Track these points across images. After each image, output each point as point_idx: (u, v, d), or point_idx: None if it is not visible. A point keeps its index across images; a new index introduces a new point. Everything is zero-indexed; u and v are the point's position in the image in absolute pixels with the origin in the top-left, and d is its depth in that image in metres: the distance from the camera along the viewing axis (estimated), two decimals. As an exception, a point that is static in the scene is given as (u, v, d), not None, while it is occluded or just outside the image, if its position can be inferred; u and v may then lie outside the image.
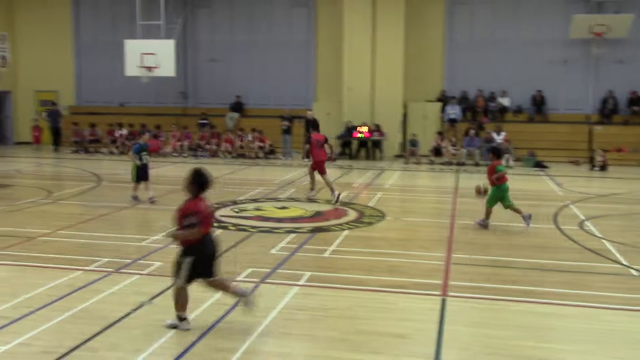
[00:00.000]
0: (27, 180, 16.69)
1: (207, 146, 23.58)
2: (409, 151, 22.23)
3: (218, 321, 6.49)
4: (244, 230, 10.88)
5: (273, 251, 9.45)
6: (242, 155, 23.18)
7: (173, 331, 6.21)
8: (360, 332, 6.33)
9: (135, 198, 13.50)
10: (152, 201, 13.34)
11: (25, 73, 27.56)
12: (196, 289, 7.54)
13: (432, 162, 21.75)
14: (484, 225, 11.22)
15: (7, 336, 6.05)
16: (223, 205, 13.22)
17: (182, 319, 6.31)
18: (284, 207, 13.16)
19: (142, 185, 13.57)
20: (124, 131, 24.35)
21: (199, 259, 6.26)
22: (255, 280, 7.93)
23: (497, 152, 11.71)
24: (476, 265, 8.81)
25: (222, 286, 6.49)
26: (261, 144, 23.29)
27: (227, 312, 6.74)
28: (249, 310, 6.44)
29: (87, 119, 25.65)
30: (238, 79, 25.95)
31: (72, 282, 7.77)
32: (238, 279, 7.96)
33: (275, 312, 6.79)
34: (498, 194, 11.21)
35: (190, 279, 6.27)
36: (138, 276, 8.10)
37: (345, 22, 23.13)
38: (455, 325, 6.56)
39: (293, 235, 10.55)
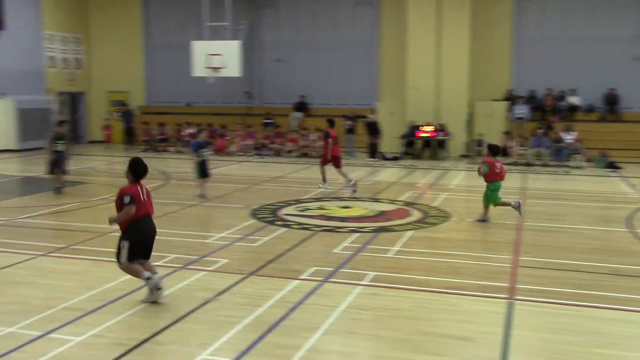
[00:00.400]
0: (100, 178, 17.31)
1: (272, 145, 23.86)
2: (474, 151, 21.87)
3: (282, 319, 6.57)
4: (308, 229, 10.96)
5: (336, 250, 9.49)
6: (306, 155, 23.34)
7: (238, 327, 6.32)
8: (424, 333, 6.29)
9: (202, 196, 13.83)
10: (203, 197, 13.72)
11: (98, 75, 28.60)
12: (260, 287, 7.66)
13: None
14: (483, 219, 11.56)
15: (81, 327, 6.30)
16: (287, 204, 13.35)
17: (148, 278, 6.98)
18: (347, 207, 13.18)
19: (205, 180, 13.97)
20: (191, 130, 24.90)
21: (135, 243, 7.03)
22: (318, 279, 7.99)
23: (492, 149, 11.86)
24: (545, 269, 8.58)
25: (136, 272, 7.06)
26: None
27: (291, 310, 6.82)
28: (156, 295, 6.98)
29: (156, 119, 26.39)
30: (302, 79, 26.15)
31: (142, 277, 8.01)
32: (302, 277, 8.04)
33: (338, 311, 6.82)
34: (489, 191, 11.44)
35: (130, 259, 7.03)
36: (204, 272, 8.29)
37: (409, 21, 22.96)
38: (521, 329, 6.42)
39: (356, 234, 10.56)
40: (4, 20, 23.61)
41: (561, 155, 21.04)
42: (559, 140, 21.10)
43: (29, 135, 24.48)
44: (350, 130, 22.96)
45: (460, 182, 17.31)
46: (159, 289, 7.02)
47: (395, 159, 22.21)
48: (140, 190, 7.18)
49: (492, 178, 11.36)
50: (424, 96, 22.98)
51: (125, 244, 7.02)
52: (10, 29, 23.88)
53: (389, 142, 22.96)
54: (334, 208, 12.99)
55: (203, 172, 13.89)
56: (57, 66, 26.80)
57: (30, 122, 24.55)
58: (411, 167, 20.51)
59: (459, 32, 22.51)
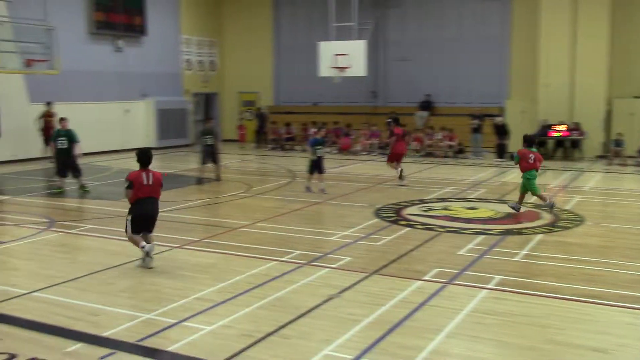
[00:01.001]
0: (231, 175, 18.06)
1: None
2: (612, 152, 20.57)
3: (404, 319, 6.54)
4: (431, 229, 10.82)
5: (461, 252, 9.29)
6: (431, 154, 23.04)
7: (360, 325, 6.37)
8: (552, 342, 6.01)
9: (308, 189, 14.49)
10: (323, 192, 14.31)
11: (230, 76, 29.85)
12: (383, 287, 7.66)
13: (639, 164, 19.91)
14: (516, 208, 11.98)
15: (212, 317, 6.62)
16: (410, 203, 13.26)
17: (143, 247, 8.35)
18: (473, 208, 12.87)
19: (315, 176, 14.55)
20: (323, 129, 25.31)
21: (135, 218, 8.43)
22: (442, 280, 7.87)
23: (526, 140, 12.26)
24: (690, 280, 7.92)
25: (135, 241, 8.45)
26: (450, 143, 22.96)
27: (414, 311, 6.77)
28: (147, 262, 8.38)
29: (283, 118, 27.14)
30: (427, 77, 25.81)
31: (268, 272, 8.29)
32: (425, 278, 7.96)
33: (462, 315, 6.68)
34: (525, 180, 11.93)
35: (133, 231, 8.45)
36: (328, 269, 8.41)
37: (542, 15, 21.97)
38: (663, 343, 5.97)
39: (482, 236, 10.28)
40: (146, 26, 25.26)
41: None
42: None
43: (166, 134, 26.07)
44: (477, 130, 22.37)
45: (595, 185, 16.35)
46: (148, 255, 8.38)
47: (524, 159, 21.37)
48: (144, 176, 8.45)
49: (526, 168, 11.86)
50: (557, 94, 21.91)
51: (128, 218, 8.50)
52: (151, 34, 25.53)
53: (519, 141, 22.04)
54: (459, 209, 12.72)
55: (317, 168, 14.47)
56: (192, 68, 28.29)
57: (167, 121, 26.15)
58: (542, 168, 19.61)
59: (597, 26, 21.23)
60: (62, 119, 15.26)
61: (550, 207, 11.90)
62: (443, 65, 25.48)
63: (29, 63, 16.64)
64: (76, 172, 14.68)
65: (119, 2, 24.03)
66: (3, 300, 7.21)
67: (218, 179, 16.40)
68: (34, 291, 7.55)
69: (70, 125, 14.85)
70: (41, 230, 10.97)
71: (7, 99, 20.63)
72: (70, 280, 8.03)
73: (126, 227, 8.53)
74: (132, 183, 8.38)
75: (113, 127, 24.15)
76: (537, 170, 12.07)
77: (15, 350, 5.76)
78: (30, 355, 5.66)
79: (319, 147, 14.51)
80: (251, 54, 29.07)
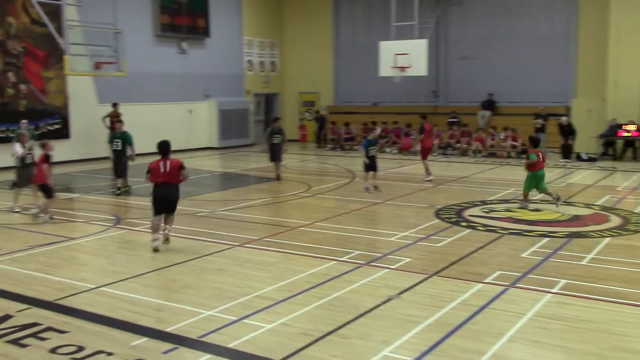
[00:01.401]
0: (291, 175, 18.20)
1: (457, 145, 23.44)
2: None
3: (465, 322, 6.44)
4: (493, 231, 10.62)
5: (524, 255, 9.09)
6: (493, 155, 22.62)
7: (420, 327, 6.31)
8: (620, 349, 5.80)
9: (367, 189, 14.67)
10: (376, 189, 14.72)
11: (291, 77, 30.09)
12: (443, 288, 7.57)
13: None
14: (524, 206, 12.46)
15: (272, 316, 6.69)
16: (472, 204, 13.05)
17: (155, 239, 9.51)
18: (537, 210, 12.55)
19: (370, 175, 14.82)
20: (377, 130, 25.23)
21: (153, 200, 9.63)
22: (504, 283, 7.71)
23: (533, 141, 12.96)
24: None
25: (153, 227, 9.64)
26: (514, 143, 22.48)
27: (474, 314, 6.66)
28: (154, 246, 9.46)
29: (343, 118, 27.16)
30: (490, 76, 25.33)
31: (328, 271, 8.31)
32: (486, 280, 7.82)
33: (525, 319, 6.53)
34: (533, 180, 12.42)
35: (155, 212, 9.61)
36: (387, 270, 8.37)
37: (612, 12, 21.25)
38: None
39: (546, 239, 10.02)
40: (209, 29, 25.74)
41: None
42: None
43: (228, 134, 26.50)
44: (541, 129, 21.79)
45: (668, 187, 15.70)
46: (156, 250, 9.50)
47: (591, 160, 20.73)
48: (161, 165, 9.53)
49: (534, 167, 12.41)
50: (627, 93, 21.14)
51: (150, 200, 9.72)
52: (214, 36, 26.00)
53: (585, 142, 21.47)
54: (522, 211, 12.43)
55: (371, 167, 14.82)
56: (254, 69, 28.66)
57: (229, 122, 26.58)
58: (611, 169, 18.99)
59: (670, 22, 20.39)
60: (118, 122, 15.77)
61: (557, 199, 12.42)
62: (506, 64, 24.95)
63: (97, 65, 17.18)
64: (122, 173, 14.90)
65: (184, 5, 24.58)
66: (72, 295, 7.49)
67: (278, 177, 17.00)
68: (102, 286, 7.81)
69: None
70: (108, 227, 11.34)
71: (77, 100, 21.43)
72: (135, 276, 8.27)
73: (151, 208, 9.74)
74: (151, 170, 9.55)
75: (177, 127, 24.70)
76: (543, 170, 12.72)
77: (83, 343, 5.97)
78: (97, 348, 5.86)
79: (372, 148, 14.88)
80: (311, 54, 29.23)
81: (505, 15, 24.93)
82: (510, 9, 24.82)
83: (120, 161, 14.90)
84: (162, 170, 9.51)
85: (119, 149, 14.87)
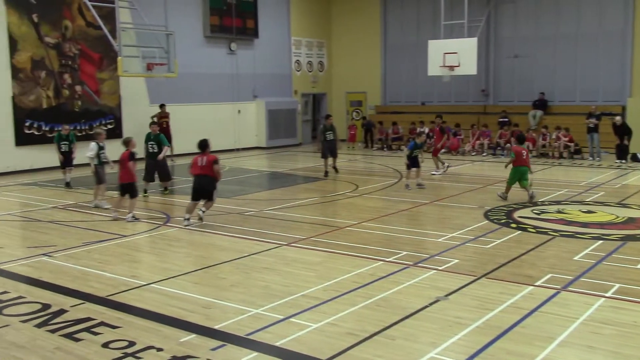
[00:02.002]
0: (339, 174, 18.19)
1: (507, 145, 23.02)
2: None
3: (514, 325, 6.32)
4: (545, 233, 10.40)
5: (576, 258, 8.86)
6: (545, 155, 22.14)
7: (468, 329, 6.23)
8: (679, 357, 5.60)
9: (407, 186, 15.07)
10: (420, 186, 15.10)
11: (338, 76, 30.10)
12: (491, 291, 7.45)
13: None
14: (502, 197, 13.31)
15: (318, 315, 6.70)
16: (522, 206, 12.81)
17: (186, 218, 11.23)
18: (590, 212, 12.23)
19: (413, 173, 15.27)
20: (425, 129, 25.03)
21: (192, 188, 11.37)
22: (555, 286, 7.54)
23: (518, 138, 14.06)
24: None
25: (188, 209, 11.43)
26: (567, 143, 21.95)
27: (524, 317, 6.53)
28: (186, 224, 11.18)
29: (391, 118, 27.01)
30: (542, 75, 24.80)
31: (374, 272, 8.28)
32: (537, 283, 7.66)
33: (577, 323, 6.37)
34: (516, 174, 13.21)
35: (192, 198, 11.38)
36: (434, 271, 8.29)
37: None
38: None
39: (600, 242, 9.75)
40: (258, 29, 25.96)
41: None
42: None
43: (276, 134, 26.69)
44: (594, 129, 21.22)
45: None
46: (188, 220, 11.26)
47: (648, 160, 20.11)
48: (199, 159, 11.19)
49: (520, 164, 13.16)
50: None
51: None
52: (262, 37, 26.22)
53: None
54: (574, 212, 12.14)
55: (414, 165, 15.28)
56: (301, 69, 28.78)
57: (277, 122, 26.77)
58: (668, 170, 18.36)
59: None
60: (152, 124, 16.00)
61: (531, 197, 13.11)
62: (559, 63, 24.39)
63: (149, 67, 17.53)
64: (164, 175, 14.87)
65: (233, 6, 24.87)
66: (124, 291, 7.66)
67: (336, 170, 17.97)
68: (152, 283, 7.97)
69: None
70: (158, 225, 11.56)
71: (129, 101, 21.92)
72: (184, 273, 8.41)
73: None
74: (192, 163, 11.34)
75: (225, 127, 25.03)
76: (528, 167, 13.36)
77: (134, 338, 6.10)
78: (147, 343, 5.98)
79: (416, 150, 15.36)
80: (359, 54, 29.17)
81: (558, 13, 24.35)
82: (563, 6, 24.25)
83: (156, 163, 14.64)
84: (199, 164, 11.20)
85: (154, 151, 14.74)
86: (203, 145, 11.34)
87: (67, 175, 16.22)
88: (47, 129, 19.58)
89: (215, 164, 11.15)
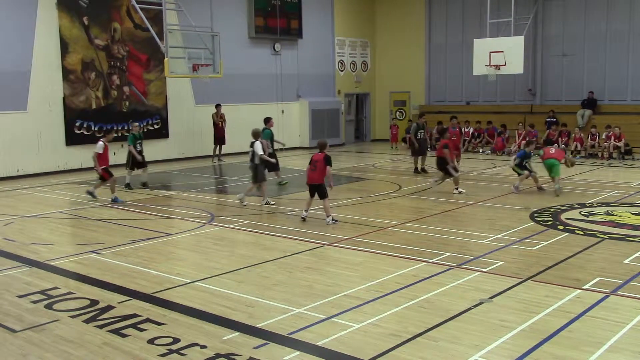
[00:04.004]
0: (381, 175, 18.14)
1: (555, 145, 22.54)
2: None
3: (561, 329, 6.19)
4: (593, 235, 10.15)
5: (626, 261, 8.63)
6: (594, 155, 21.62)
7: (513, 332, 6.13)
8: None
9: (517, 188, 14.58)
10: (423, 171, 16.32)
11: (382, 76, 29.97)
12: (537, 294, 7.32)
13: None
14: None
15: (360, 315, 6.69)
16: (570, 207, 12.53)
17: (304, 210, 11.86)
18: (640, 214, 11.90)
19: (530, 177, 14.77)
20: (470, 129, 24.77)
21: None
22: (604, 290, 7.35)
23: (546, 142, 16.42)
24: None
25: (307, 202, 12.04)
26: (617, 143, 21.38)
27: (572, 321, 6.39)
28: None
29: (435, 118, 26.72)
30: (591, 74, 24.21)
31: (417, 273, 8.22)
32: (585, 287, 7.49)
33: (627, 328, 6.20)
34: (545, 166, 14.46)
35: (310, 195, 11.84)
36: (478, 273, 8.18)
37: None
38: None
39: (651, 245, 9.48)
40: (302, 30, 26.06)
41: None
42: None
43: (319, 134, 26.70)
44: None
45: None
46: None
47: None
48: (312, 159, 11.77)
49: (547, 157, 14.37)
50: None
51: None
52: (306, 37, 26.31)
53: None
54: (624, 214, 11.82)
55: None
56: (345, 69, 28.76)
57: (320, 121, 26.81)
58: None
59: None
60: (267, 120, 16.03)
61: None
62: (609, 61, 23.77)
63: (195, 67, 17.78)
64: (273, 166, 15.13)
65: (278, 7, 25.02)
66: (169, 288, 7.80)
67: (425, 171, 18.18)
68: (197, 281, 8.08)
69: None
70: (203, 224, 11.72)
71: (176, 101, 22.28)
72: (228, 272, 8.50)
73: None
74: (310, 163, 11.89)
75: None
76: (558, 160, 14.28)
77: (178, 335, 6.20)
78: (191, 340, 6.07)
79: (527, 159, 14.70)
80: (403, 53, 28.99)
81: (608, 10, 23.72)
82: (612, 4, 23.61)
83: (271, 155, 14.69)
84: (310, 166, 11.82)
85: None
86: (321, 145, 11.94)
87: (143, 175, 16.07)
88: (96, 129, 20.04)
89: (328, 164, 11.61)
